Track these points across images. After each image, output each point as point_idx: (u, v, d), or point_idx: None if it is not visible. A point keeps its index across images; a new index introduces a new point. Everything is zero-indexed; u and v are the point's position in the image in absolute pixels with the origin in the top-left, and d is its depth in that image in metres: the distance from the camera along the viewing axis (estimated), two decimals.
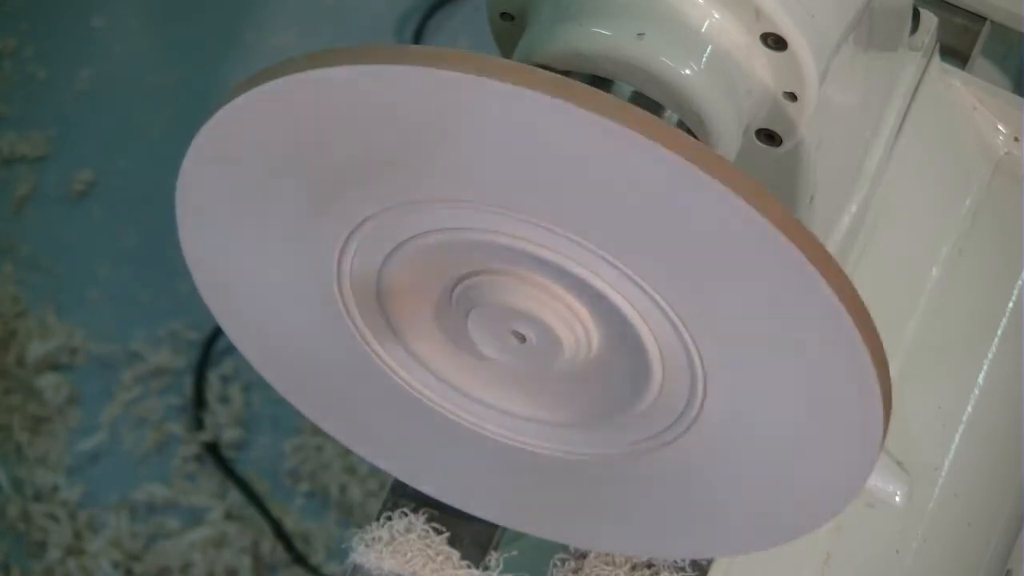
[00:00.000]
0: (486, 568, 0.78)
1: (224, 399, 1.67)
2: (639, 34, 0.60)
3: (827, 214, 0.75)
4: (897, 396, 0.60)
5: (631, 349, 0.61)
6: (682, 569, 0.76)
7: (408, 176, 0.58)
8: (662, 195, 0.54)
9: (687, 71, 0.60)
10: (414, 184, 0.58)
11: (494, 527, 0.78)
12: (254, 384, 1.67)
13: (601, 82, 0.61)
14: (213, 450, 1.65)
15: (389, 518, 0.79)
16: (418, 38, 1.84)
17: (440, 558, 0.78)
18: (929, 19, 0.79)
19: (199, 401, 1.67)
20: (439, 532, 0.78)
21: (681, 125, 0.61)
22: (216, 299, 0.70)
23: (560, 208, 0.57)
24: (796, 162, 0.68)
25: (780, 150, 0.66)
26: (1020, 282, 0.84)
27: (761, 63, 0.62)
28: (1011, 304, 0.83)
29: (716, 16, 0.61)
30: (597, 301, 0.60)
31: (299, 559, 1.60)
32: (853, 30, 0.66)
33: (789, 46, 0.61)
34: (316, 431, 1.40)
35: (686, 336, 0.59)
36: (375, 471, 1.60)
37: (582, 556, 0.78)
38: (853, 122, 0.75)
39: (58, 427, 1.66)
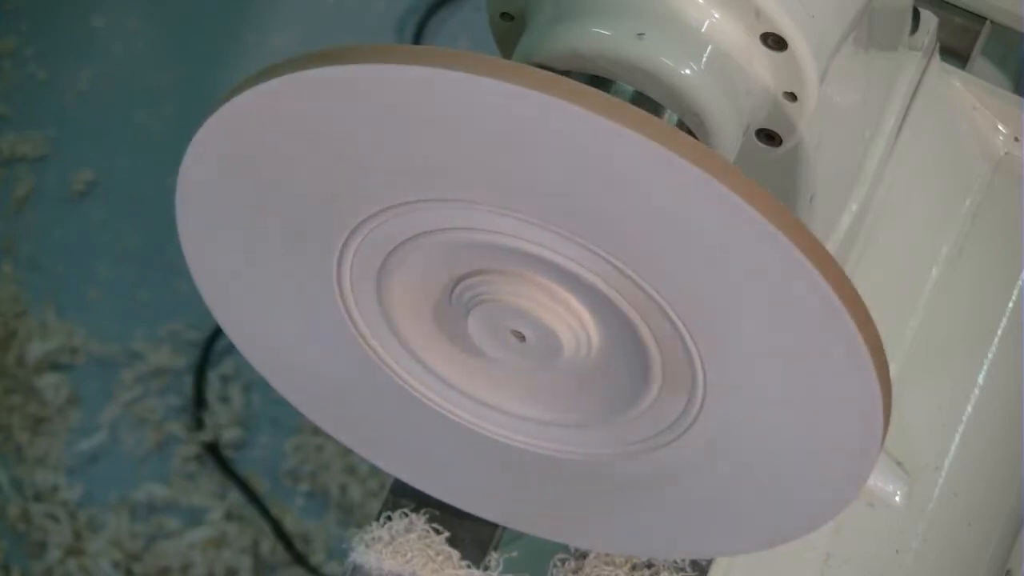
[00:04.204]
0: (486, 568, 0.78)
1: (224, 399, 1.67)
2: (639, 34, 0.60)
3: (827, 214, 0.75)
4: (897, 396, 0.60)
5: (631, 349, 0.61)
6: (682, 569, 0.76)
7: (407, 176, 0.58)
8: (661, 195, 0.54)
9: (687, 71, 0.60)
10: (413, 184, 0.58)
11: (494, 527, 0.78)
12: (254, 384, 1.67)
13: (601, 82, 0.61)
14: (213, 450, 1.65)
15: (389, 518, 0.79)
16: (418, 38, 1.84)
17: (440, 558, 0.78)
18: (929, 19, 0.79)
19: (199, 401, 1.67)
20: (439, 532, 0.78)
21: (681, 125, 0.61)
22: (216, 299, 0.70)
23: (559, 208, 0.57)
24: (796, 162, 0.68)
25: (780, 150, 0.66)
26: (1020, 282, 0.84)
27: (761, 63, 0.62)
28: (1011, 304, 0.83)
29: (716, 16, 0.61)
30: (597, 301, 0.60)
31: (299, 559, 1.60)
32: (853, 30, 0.66)
33: (789, 46, 0.61)
34: (316, 431, 1.40)
35: (686, 336, 0.59)
36: (375, 471, 1.60)
37: (582, 556, 0.78)
38: (853, 122, 0.75)
39: (58, 427, 1.66)
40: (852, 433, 0.60)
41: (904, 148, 0.79)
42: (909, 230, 0.83)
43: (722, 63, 0.61)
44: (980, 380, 0.82)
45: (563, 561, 0.78)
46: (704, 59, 0.60)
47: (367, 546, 0.78)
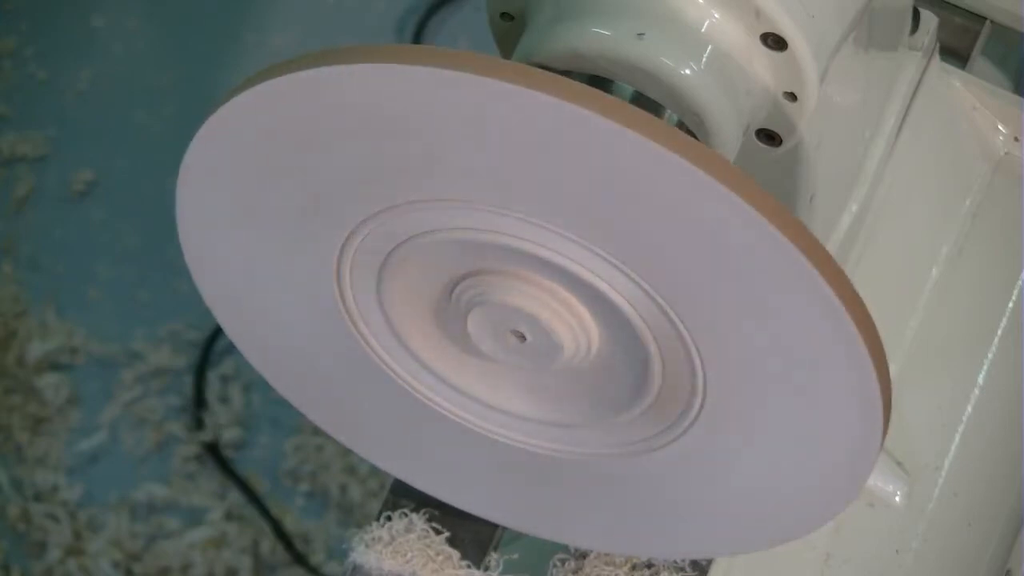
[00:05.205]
0: (486, 568, 0.78)
1: (224, 399, 1.67)
2: (639, 34, 0.60)
3: (827, 214, 0.75)
4: (897, 396, 0.60)
5: (631, 349, 0.61)
6: (682, 569, 0.76)
7: (408, 176, 0.58)
8: (661, 195, 0.54)
9: (687, 71, 0.60)
10: (413, 184, 0.58)
11: (494, 527, 0.78)
12: (254, 384, 1.67)
13: (601, 82, 0.61)
14: (213, 450, 1.65)
15: (389, 518, 0.79)
16: (418, 38, 1.84)
17: (440, 558, 0.78)
18: (929, 19, 0.79)
19: (199, 401, 1.67)
20: (439, 532, 0.78)
21: (681, 125, 0.61)
22: (216, 299, 0.70)
23: (560, 208, 0.57)
24: (796, 162, 0.68)
25: (780, 150, 0.66)
26: (1020, 282, 0.84)
27: (761, 63, 0.62)
28: (1011, 304, 0.83)
29: (716, 16, 0.61)
30: (597, 301, 0.60)
31: (299, 559, 1.60)
32: (853, 30, 0.66)
33: (789, 46, 0.61)
34: (316, 431, 1.40)
35: (686, 336, 0.59)
36: (375, 471, 1.60)
37: (582, 556, 0.78)
38: (853, 122, 0.75)
39: (58, 427, 1.66)
40: (852, 433, 0.60)
41: (904, 148, 0.79)
42: (909, 230, 0.83)
43: (722, 63, 0.61)
44: (980, 380, 0.82)
45: (563, 561, 0.78)
46: (704, 59, 0.60)
47: (367, 546, 0.78)
